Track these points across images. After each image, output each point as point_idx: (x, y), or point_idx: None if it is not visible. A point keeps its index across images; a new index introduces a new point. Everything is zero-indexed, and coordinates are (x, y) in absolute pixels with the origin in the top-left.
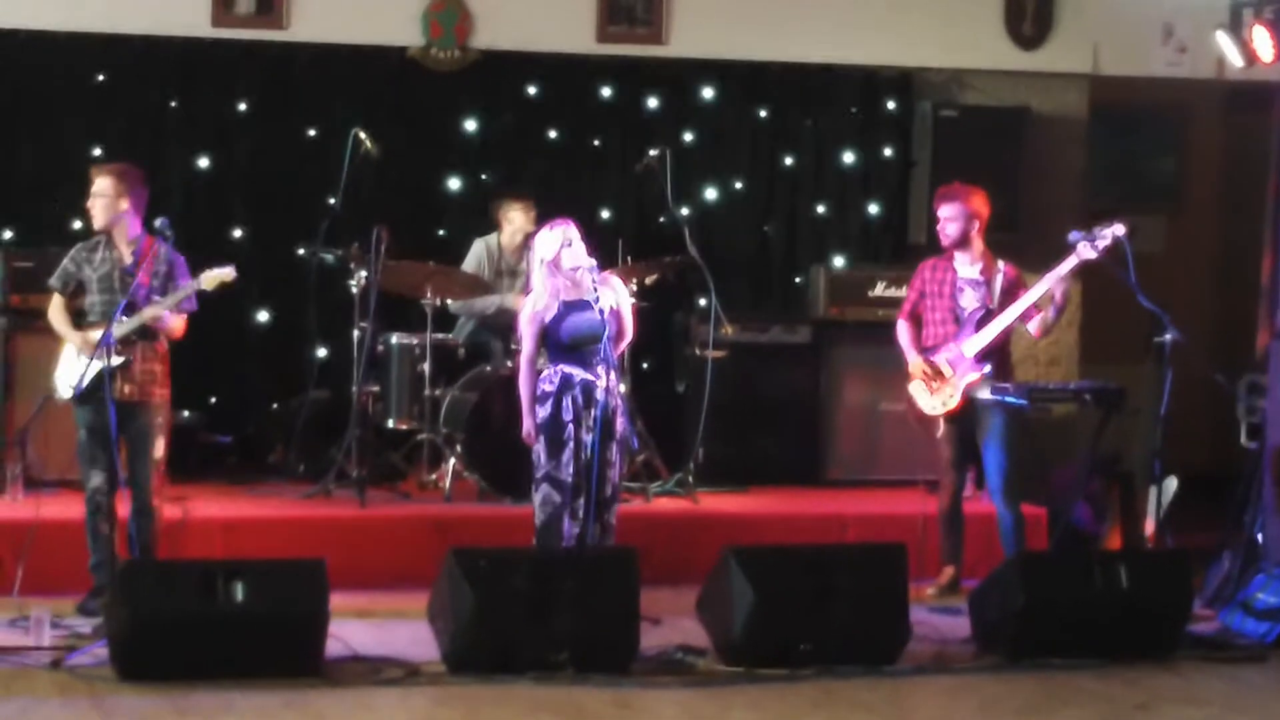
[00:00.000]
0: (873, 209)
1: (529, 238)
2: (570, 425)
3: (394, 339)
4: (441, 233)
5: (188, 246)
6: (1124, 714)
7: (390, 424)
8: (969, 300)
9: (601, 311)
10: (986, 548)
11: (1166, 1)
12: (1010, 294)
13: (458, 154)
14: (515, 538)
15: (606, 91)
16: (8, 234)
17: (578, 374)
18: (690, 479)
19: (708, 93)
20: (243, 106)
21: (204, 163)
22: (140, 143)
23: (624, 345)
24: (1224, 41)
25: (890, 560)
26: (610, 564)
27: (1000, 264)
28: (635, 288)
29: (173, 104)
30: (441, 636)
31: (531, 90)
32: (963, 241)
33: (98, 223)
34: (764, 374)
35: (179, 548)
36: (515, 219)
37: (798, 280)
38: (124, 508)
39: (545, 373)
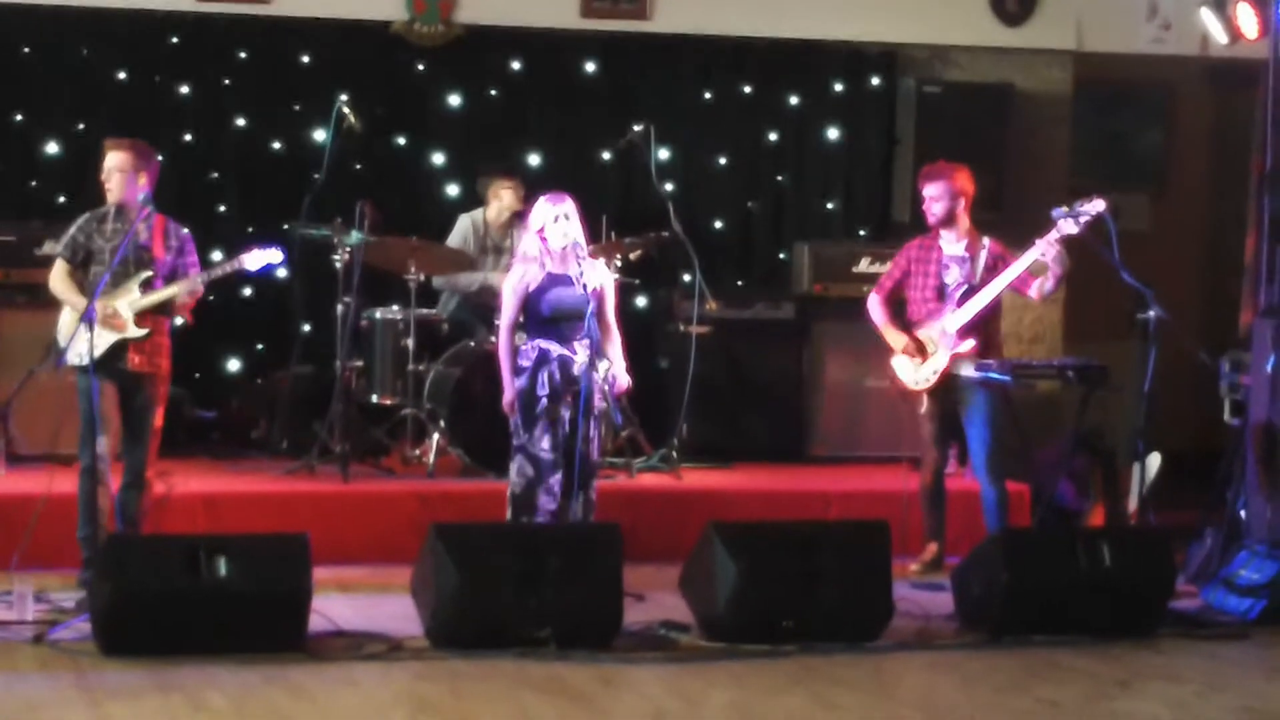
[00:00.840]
0: (856, 186)
1: (515, 216)
2: (544, 400)
3: (378, 314)
4: (425, 208)
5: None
6: (1106, 690)
7: (374, 399)
8: (953, 277)
9: (585, 287)
10: (969, 524)
11: None
12: (994, 270)
13: (441, 129)
14: (498, 513)
15: (590, 67)
16: None
17: (555, 349)
18: (674, 455)
19: (691, 69)
20: (226, 81)
21: (187, 137)
22: (123, 117)
23: (612, 336)
24: (1208, 18)
25: (873, 537)
26: (594, 540)
27: (985, 240)
28: (619, 263)
29: (156, 79)
30: (424, 611)
31: (515, 66)
32: (949, 220)
33: (114, 197)
34: (748, 350)
35: (162, 523)
36: (505, 196)
37: (781, 256)
38: (115, 479)
39: (523, 347)
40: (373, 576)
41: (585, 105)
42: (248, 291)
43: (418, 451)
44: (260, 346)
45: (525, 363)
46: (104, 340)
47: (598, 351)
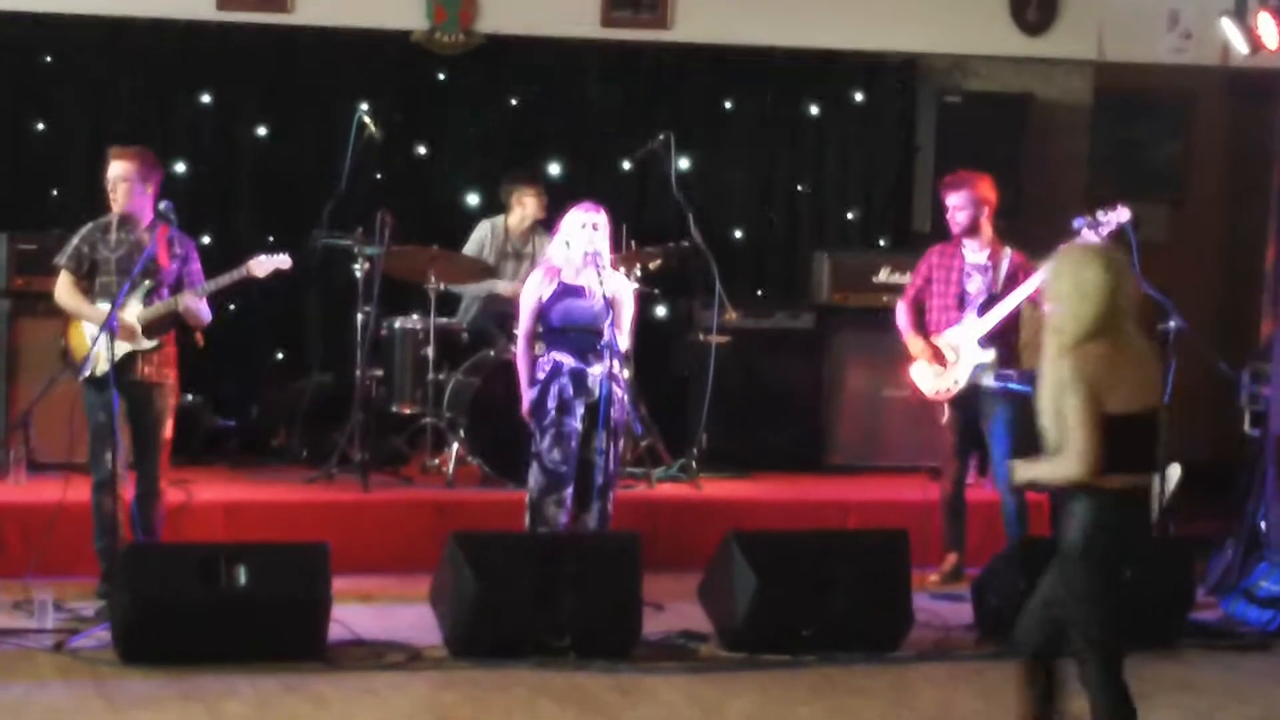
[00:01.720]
0: (876, 195)
1: (537, 224)
2: (553, 413)
3: (397, 323)
4: (445, 217)
5: (192, 230)
6: None
7: (393, 408)
8: (975, 285)
9: (604, 298)
10: (989, 534)
11: None
12: (1015, 279)
13: (461, 138)
14: (518, 522)
15: (610, 77)
16: (10, 217)
17: (568, 362)
18: (693, 464)
19: (711, 78)
20: (247, 90)
21: (208, 146)
22: (144, 126)
23: (625, 344)
24: (1229, 28)
25: (892, 546)
26: (613, 549)
27: (1007, 250)
28: (639, 273)
29: (176, 88)
30: (444, 621)
31: (535, 75)
32: (972, 229)
33: (120, 206)
34: (767, 360)
35: (182, 531)
36: (528, 204)
37: (801, 266)
38: (127, 490)
39: (540, 359)
40: (392, 586)
41: (605, 114)
42: (267, 300)
43: (437, 461)
44: (280, 355)
45: (540, 374)
46: (115, 352)
47: (620, 362)
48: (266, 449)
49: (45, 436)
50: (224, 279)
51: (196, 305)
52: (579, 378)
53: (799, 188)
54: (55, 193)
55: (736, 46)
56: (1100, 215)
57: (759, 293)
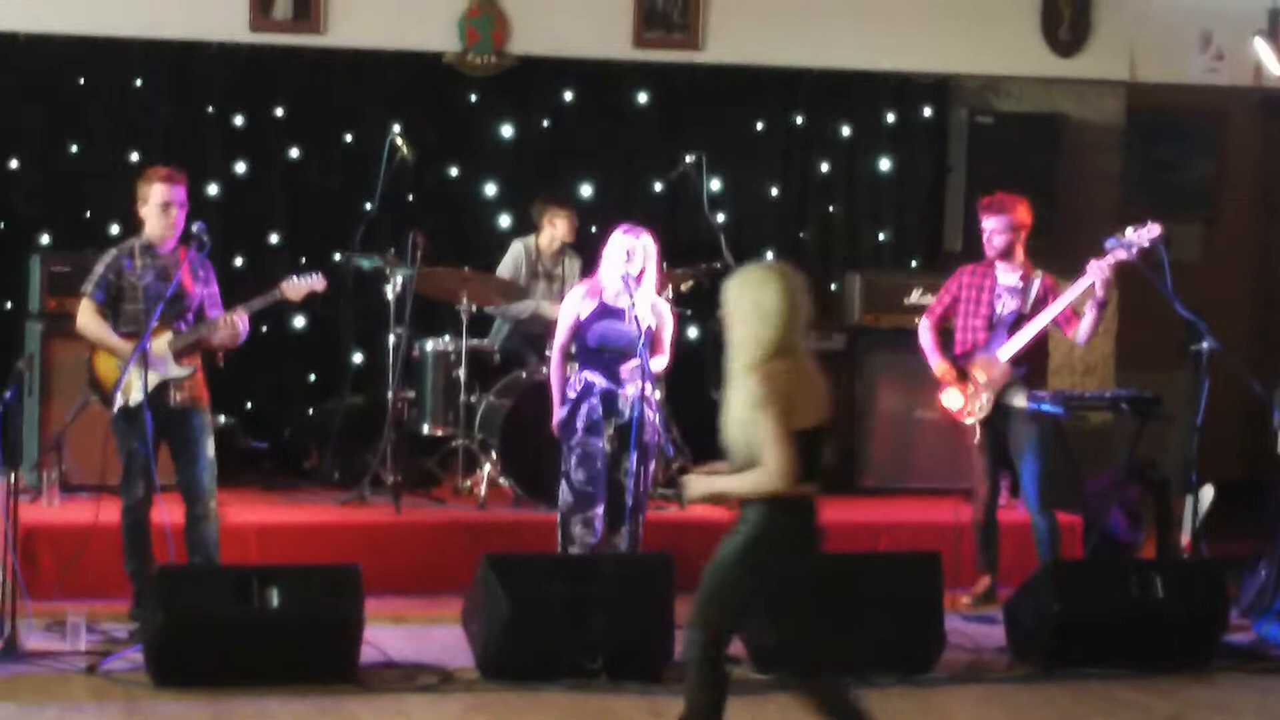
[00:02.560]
0: (908, 216)
1: (566, 245)
2: (580, 433)
3: (429, 344)
4: (477, 238)
5: (225, 251)
6: None
7: (425, 430)
8: (1005, 306)
9: (636, 320)
10: (1022, 556)
11: (1204, 8)
12: (1044, 302)
13: (493, 159)
14: (550, 544)
15: (642, 97)
16: (44, 238)
17: (599, 383)
18: None
19: (743, 99)
20: (280, 111)
21: (241, 168)
22: (177, 148)
23: (660, 368)
24: (1262, 48)
25: (925, 569)
26: (645, 571)
27: (1039, 273)
28: (671, 294)
29: (210, 109)
30: (476, 642)
31: (567, 95)
32: (1008, 252)
33: (172, 231)
34: None
35: None
36: (559, 225)
37: (833, 287)
38: (161, 514)
39: (572, 378)
40: (424, 607)
41: (637, 135)
42: (300, 322)
43: (469, 482)
44: (312, 377)
45: (571, 393)
46: (148, 382)
47: (653, 385)
48: (299, 470)
49: (78, 458)
50: (257, 301)
51: (237, 328)
52: (609, 399)
53: (830, 208)
54: (87, 215)
55: (768, 67)
56: (1131, 232)
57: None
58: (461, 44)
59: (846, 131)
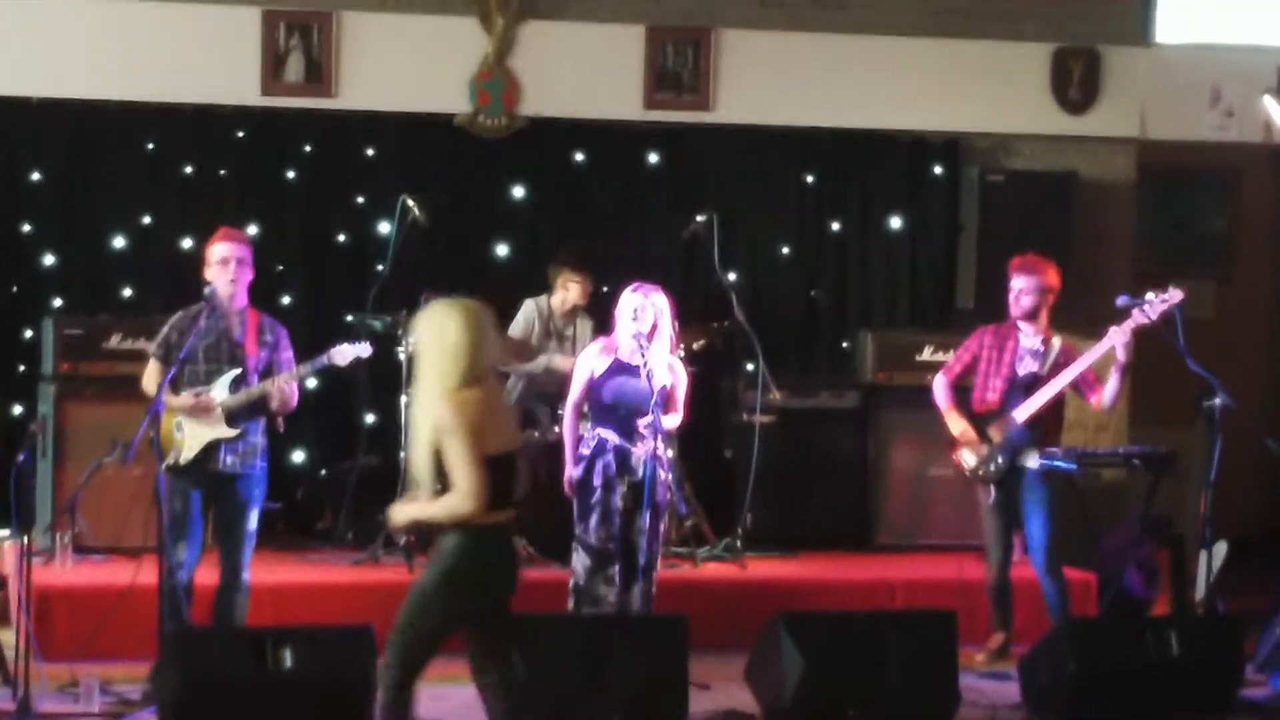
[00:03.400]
0: (920, 274)
1: (578, 308)
2: (599, 490)
3: None
4: (489, 299)
5: None
6: None
7: None
8: (1026, 368)
9: (650, 376)
10: (1036, 613)
11: (1213, 65)
12: (1061, 367)
13: (505, 220)
14: (564, 603)
15: (653, 158)
16: (58, 302)
17: (613, 439)
18: (738, 544)
19: (754, 159)
20: (292, 174)
21: (253, 230)
22: (191, 211)
23: (674, 426)
24: (1271, 105)
25: (940, 627)
26: (660, 630)
27: (1058, 339)
28: (683, 353)
29: (222, 172)
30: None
31: (579, 157)
32: (1033, 314)
33: (228, 288)
34: (812, 439)
35: None
36: (572, 289)
37: (845, 345)
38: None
39: (585, 435)
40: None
41: (648, 196)
42: (313, 383)
43: None
44: (325, 438)
45: (585, 450)
46: (197, 441)
47: (665, 443)
48: (312, 531)
49: (92, 520)
50: (306, 368)
51: (286, 392)
52: (623, 456)
53: (843, 267)
54: (102, 277)
55: (778, 127)
56: (1152, 297)
57: (803, 372)
58: (473, 106)
59: (858, 190)
